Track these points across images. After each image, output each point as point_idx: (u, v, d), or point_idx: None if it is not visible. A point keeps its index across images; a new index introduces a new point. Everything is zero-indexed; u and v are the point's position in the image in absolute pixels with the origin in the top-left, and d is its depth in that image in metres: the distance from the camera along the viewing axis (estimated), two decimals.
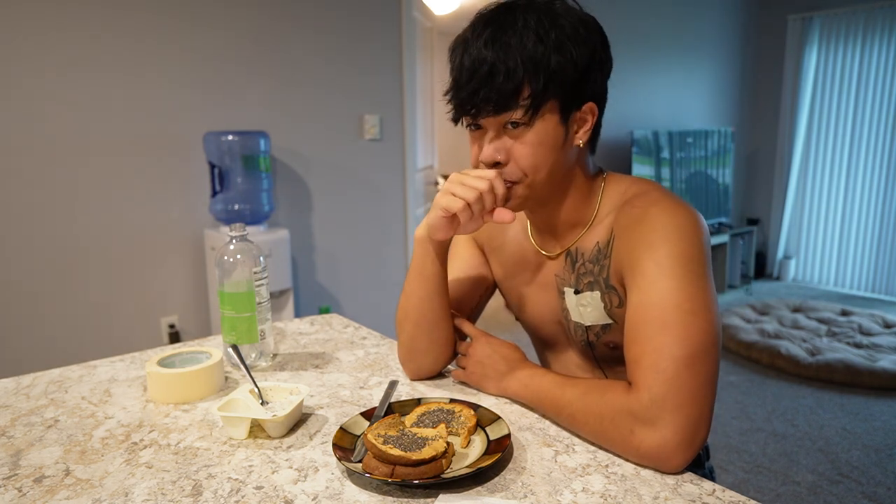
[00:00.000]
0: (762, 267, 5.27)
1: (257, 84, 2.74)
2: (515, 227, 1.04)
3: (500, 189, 0.85)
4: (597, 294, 0.90)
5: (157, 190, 2.56)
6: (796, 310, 4.03)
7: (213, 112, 2.64)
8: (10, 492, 0.72)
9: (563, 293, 0.96)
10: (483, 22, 0.84)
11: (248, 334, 1.08)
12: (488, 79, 0.81)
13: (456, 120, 0.89)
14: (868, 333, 3.54)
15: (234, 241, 1.08)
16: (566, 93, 0.83)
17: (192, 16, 2.55)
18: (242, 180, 2.54)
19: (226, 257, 1.07)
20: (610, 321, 0.91)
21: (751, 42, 5.12)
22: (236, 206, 2.54)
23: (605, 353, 0.95)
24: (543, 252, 0.99)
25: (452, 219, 0.90)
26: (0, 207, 2.26)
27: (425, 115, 3.52)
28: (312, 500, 0.70)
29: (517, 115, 0.83)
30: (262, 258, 1.09)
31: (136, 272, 2.55)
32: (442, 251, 0.96)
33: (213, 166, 2.53)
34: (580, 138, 0.88)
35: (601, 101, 0.89)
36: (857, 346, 3.36)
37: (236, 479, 0.74)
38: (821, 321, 3.78)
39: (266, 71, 2.76)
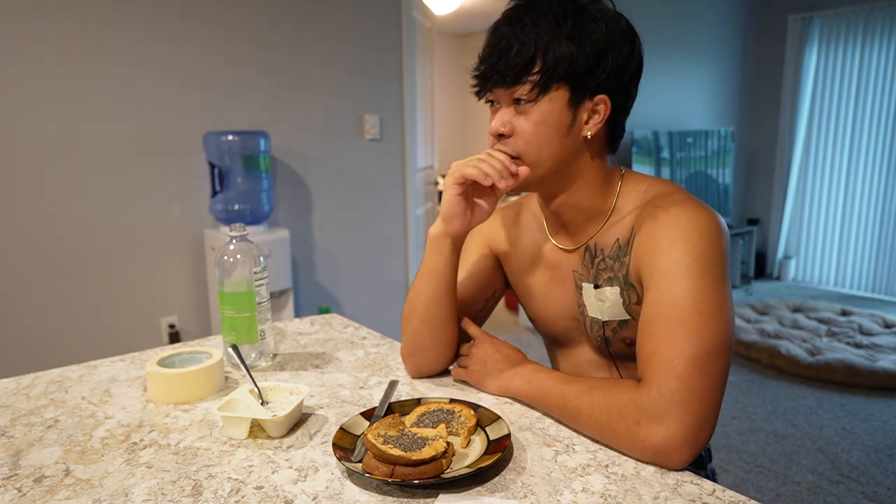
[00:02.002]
0: (762, 267, 5.27)
1: (257, 84, 2.74)
2: (532, 227, 1.05)
3: (501, 154, 0.89)
4: (616, 289, 0.92)
5: (157, 190, 2.56)
6: (796, 310, 4.03)
7: (213, 112, 2.64)
8: (10, 492, 0.72)
9: (580, 288, 0.97)
10: (514, 6, 0.89)
11: (248, 334, 1.08)
12: (505, 52, 0.86)
13: (478, 93, 0.93)
14: (868, 333, 3.54)
15: (234, 241, 1.08)
16: (576, 80, 0.86)
17: (193, 16, 2.55)
18: (242, 180, 2.53)
19: (226, 257, 1.07)
20: (627, 317, 0.92)
21: (751, 42, 5.12)
22: (236, 206, 2.54)
23: (621, 350, 0.96)
24: (561, 247, 1.00)
25: (467, 200, 0.93)
26: (0, 207, 2.26)
27: (425, 115, 3.52)
28: (312, 500, 0.70)
29: (524, 90, 0.86)
30: (262, 258, 1.09)
31: (136, 272, 2.55)
32: (455, 249, 0.97)
33: (213, 166, 2.53)
34: (589, 129, 0.89)
35: (622, 99, 0.90)
36: (857, 346, 3.35)
37: (236, 479, 0.74)
38: (821, 321, 3.77)
39: (266, 71, 2.76)
